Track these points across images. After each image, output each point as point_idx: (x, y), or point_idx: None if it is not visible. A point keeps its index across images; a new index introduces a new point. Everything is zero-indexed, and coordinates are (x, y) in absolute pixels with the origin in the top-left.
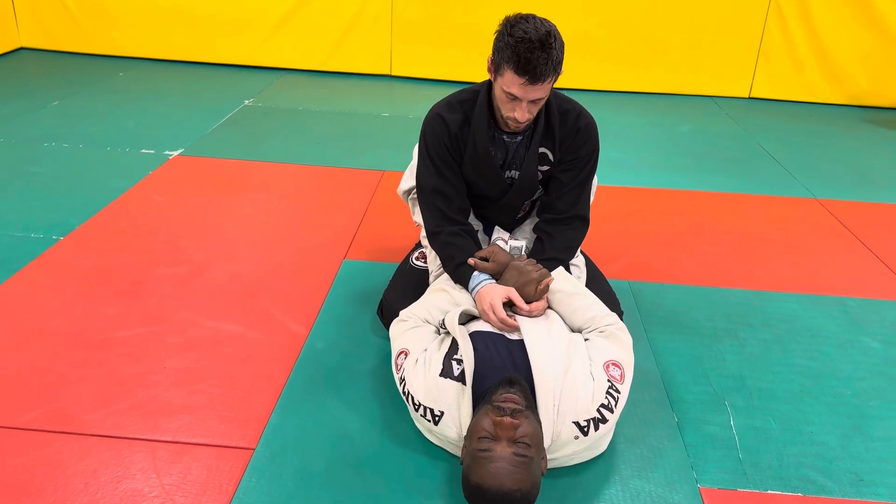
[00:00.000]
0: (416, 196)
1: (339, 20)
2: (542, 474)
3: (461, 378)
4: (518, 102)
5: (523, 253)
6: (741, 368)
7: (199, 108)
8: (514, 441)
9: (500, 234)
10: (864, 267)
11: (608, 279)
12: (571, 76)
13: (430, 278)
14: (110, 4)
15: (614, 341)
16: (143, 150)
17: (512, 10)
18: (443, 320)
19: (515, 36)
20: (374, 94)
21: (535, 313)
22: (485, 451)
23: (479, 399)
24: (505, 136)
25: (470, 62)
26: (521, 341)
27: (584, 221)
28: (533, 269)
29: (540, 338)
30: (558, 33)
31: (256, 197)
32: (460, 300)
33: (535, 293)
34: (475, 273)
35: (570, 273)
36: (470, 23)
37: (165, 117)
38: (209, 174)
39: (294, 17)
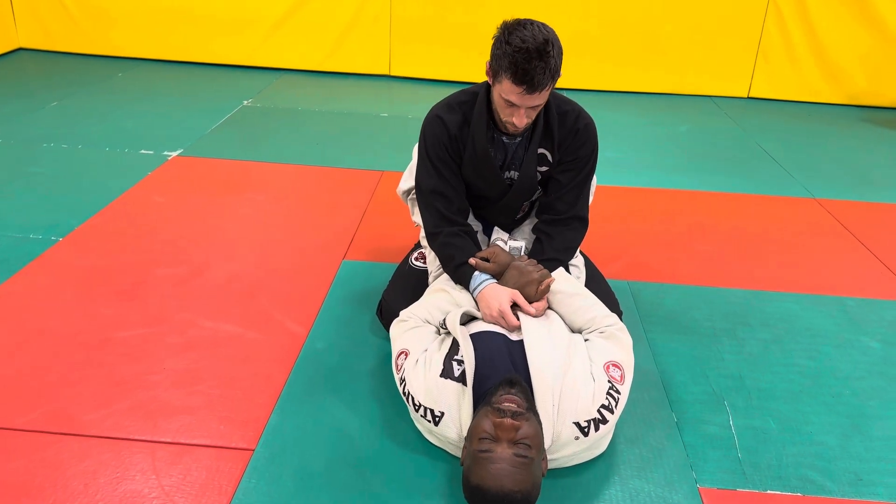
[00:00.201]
0: (415, 196)
1: (339, 20)
2: (543, 475)
3: (462, 379)
4: (516, 109)
5: (522, 254)
6: (740, 368)
7: (198, 109)
8: (514, 442)
9: (499, 235)
10: (862, 267)
11: (607, 279)
12: (570, 76)
13: (430, 279)
14: (109, 5)
15: (614, 342)
16: (143, 151)
17: (511, 11)
18: (443, 320)
19: (513, 44)
20: (373, 94)
21: (535, 314)
22: (485, 451)
23: (479, 400)
24: (504, 137)
25: (469, 62)
26: (522, 342)
27: (582, 222)
28: (534, 269)
29: (540, 338)
30: (556, 39)
31: (256, 197)
32: (461, 300)
33: (535, 293)
34: (476, 273)
35: (570, 273)
36: (469, 23)
37: (164, 118)
38: (208, 175)
39: (293, 18)
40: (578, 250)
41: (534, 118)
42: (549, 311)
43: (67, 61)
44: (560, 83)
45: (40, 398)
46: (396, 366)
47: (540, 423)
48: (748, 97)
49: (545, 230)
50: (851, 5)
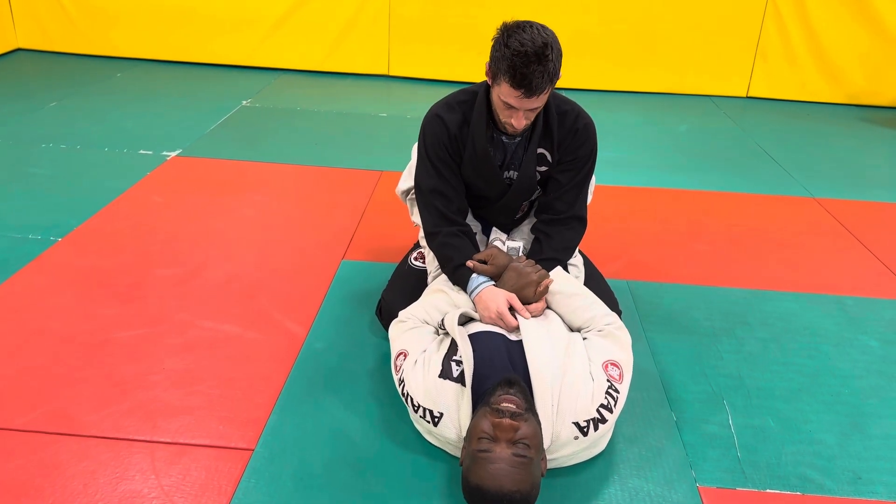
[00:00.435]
0: (414, 196)
1: (338, 20)
2: (542, 475)
3: (460, 379)
4: (515, 111)
5: (521, 254)
6: (739, 367)
7: (196, 109)
8: (513, 442)
9: (497, 235)
10: (861, 266)
11: (606, 279)
12: (570, 76)
13: (429, 279)
14: (108, 5)
15: (613, 341)
16: (141, 151)
17: (511, 10)
18: (442, 321)
19: (512, 48)
20: (372, 94)
21: (534, 314)
22: (484, 452)
23: (478, 400)
24: (503, 137)
25: (468, 62)
26: (521, 342)
27: (581, 222)
28: (532, 270)
29: (538, 338)
30: (556, 42)
31: (255, 197)
32: (459, 301)
33: (534, 295)
34: (473, 276)
35: (569, 273)
36: (468, 23)
37: (163, 118)
38: (207, 175)
39: (292, 18)
40: (577, 250)
41: (532, 119)
42: (547, 311)
43: (66, 62)
44: (560, 83)
45: (40, 398)
46: (395, 366)
47: (539, 423)
48: (747, 97)
49: (544, 230)
50: (850, 5)
